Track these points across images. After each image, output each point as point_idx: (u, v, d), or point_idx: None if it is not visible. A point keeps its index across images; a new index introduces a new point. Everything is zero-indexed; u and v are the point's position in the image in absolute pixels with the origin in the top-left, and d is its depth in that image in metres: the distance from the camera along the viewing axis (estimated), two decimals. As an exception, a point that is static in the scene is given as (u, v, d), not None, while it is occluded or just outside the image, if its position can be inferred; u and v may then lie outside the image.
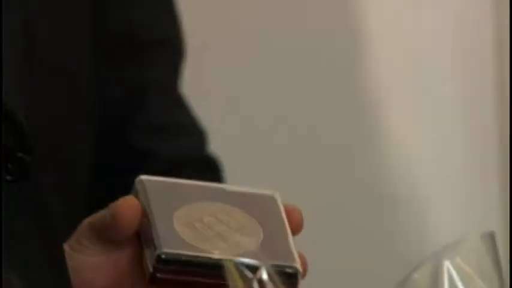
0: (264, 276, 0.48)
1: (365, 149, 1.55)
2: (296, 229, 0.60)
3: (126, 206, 0.59)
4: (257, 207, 0.61)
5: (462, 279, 0.52)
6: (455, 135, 1.67)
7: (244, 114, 1.62)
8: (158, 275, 0.57)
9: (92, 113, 0.80)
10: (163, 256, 0.56)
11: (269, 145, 1.60)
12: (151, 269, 0.57)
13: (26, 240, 0.61)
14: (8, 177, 0.62)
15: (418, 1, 1.76)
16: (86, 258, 0.60)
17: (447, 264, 0.52)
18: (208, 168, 0.85)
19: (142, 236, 0.59)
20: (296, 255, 0.59)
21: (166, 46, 0.88)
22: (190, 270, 0.56)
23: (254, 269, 0.50)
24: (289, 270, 0.57)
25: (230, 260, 0.52)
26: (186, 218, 0.59)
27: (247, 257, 0.56)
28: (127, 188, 0.62)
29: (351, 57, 1.65)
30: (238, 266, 0.51)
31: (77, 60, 0.81)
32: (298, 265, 0.58)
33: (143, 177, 0.60)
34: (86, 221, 0.60)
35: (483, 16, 1.72)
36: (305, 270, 0.59)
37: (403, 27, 1.67)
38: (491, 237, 0.53)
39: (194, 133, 0.87)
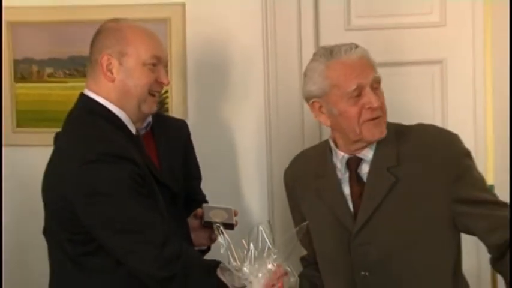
0: (221, 228, 2.15)
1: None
2: (236, 215, 2.65)
3: (199, 210, 2.61)
4: (227, 211, 2.64)
5: (266, 235, 2.08)
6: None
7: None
8: (205, 224, 2.56)
9: (182, 188, 2.71)
10: (205, 220, 2.57)
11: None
12: (203, 223, 2.57)
13: (181, 224, 2.55)
14: (170, 204, 2.41)
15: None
16: (191, 221, 2.59)
17: (260, 227, 2.08)
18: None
19: (202, 218, 2.59)
20: (234, 219, 2.61)
21: (199, 178, 2.94)
22: (212, 224, 2.44)
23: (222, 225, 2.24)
24: (232, 223, 2.59)
25: (215, 223, 2.31)
26: (213, 213, 2.61)
27: (223, 221, 2.51)
28: (194, 206, 2.72)
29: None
30: (217, 225, 2.20)
31: (179, 176, 2.70)
32: (234, 222, 2.61)
33: (204, 204, 2.65)
34: (192, 214, 2.61)
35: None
36: (236, 223, 2.59)
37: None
38: (268, 222, 2.13)
39: (204, 195, 2.92)
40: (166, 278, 2.26)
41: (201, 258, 2.44)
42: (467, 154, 2.37)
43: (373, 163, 2.37)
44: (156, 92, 2.45)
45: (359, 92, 2.30)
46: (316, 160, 2.49)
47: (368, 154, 2.37)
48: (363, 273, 2.36)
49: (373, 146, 2.38)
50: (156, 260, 2.27)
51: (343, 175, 2.39)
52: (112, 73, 2.37)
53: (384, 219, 2.33)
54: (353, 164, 2.38)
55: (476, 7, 3.17)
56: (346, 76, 2.31)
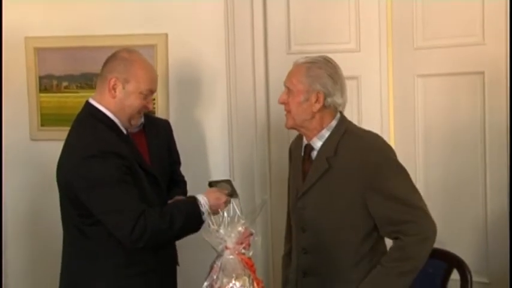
0: (229, 194, 2.68)
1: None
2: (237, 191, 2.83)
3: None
4: (228, 183, 2.86)
5: (236, 206, 2.46)
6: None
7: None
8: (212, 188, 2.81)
9: (168, 172, 3.41)
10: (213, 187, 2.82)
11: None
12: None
13: (162, 199, 2.63)
14: (155, 188, 2.60)
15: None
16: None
17: (235, 202, 2.56)
18: (184, 183, 3.51)
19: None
20: (233, 189, 2.82)
21: (179, 163, 3.52)
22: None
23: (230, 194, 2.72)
24: (234, 193, 2.79)
25: (227, 192, 2.71)
26: (218, 185, 2.82)
27: (225, 190, 2.77)
28: (174, 189, 3.31)
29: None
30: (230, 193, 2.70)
31: (164, 165, 3.35)
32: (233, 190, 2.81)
33: (210, 179, 3.01)
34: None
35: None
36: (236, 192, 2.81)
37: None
38: (238, 198, 2.67)
39: (183, 176, 3.51)
40: (140, 246, 2.48)
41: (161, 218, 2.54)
42: (381, 164, 2.48)
43: (318, 151, 2.59)
44: (142, 112, 2.69)
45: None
46: (300, 140, 2.74)
47: (317, 144, 2.60)
48: (301, 227, 2.66)
49: (323, 138, 2.57)
50: (129, 236, 2.44)
51: (302, 156, 2.68)
52: (115, 91, 2.54)
53: (315, 193, 2.59)
54: (307, 149, 2.64)
55: (382, 38, 3.77)
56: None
